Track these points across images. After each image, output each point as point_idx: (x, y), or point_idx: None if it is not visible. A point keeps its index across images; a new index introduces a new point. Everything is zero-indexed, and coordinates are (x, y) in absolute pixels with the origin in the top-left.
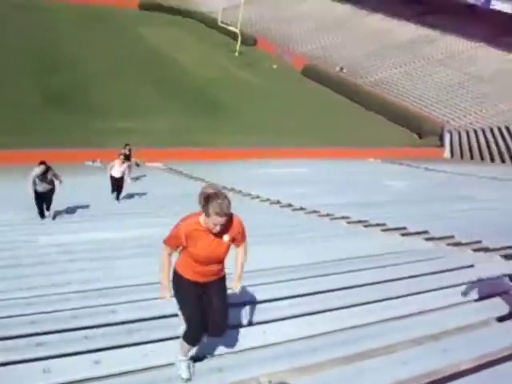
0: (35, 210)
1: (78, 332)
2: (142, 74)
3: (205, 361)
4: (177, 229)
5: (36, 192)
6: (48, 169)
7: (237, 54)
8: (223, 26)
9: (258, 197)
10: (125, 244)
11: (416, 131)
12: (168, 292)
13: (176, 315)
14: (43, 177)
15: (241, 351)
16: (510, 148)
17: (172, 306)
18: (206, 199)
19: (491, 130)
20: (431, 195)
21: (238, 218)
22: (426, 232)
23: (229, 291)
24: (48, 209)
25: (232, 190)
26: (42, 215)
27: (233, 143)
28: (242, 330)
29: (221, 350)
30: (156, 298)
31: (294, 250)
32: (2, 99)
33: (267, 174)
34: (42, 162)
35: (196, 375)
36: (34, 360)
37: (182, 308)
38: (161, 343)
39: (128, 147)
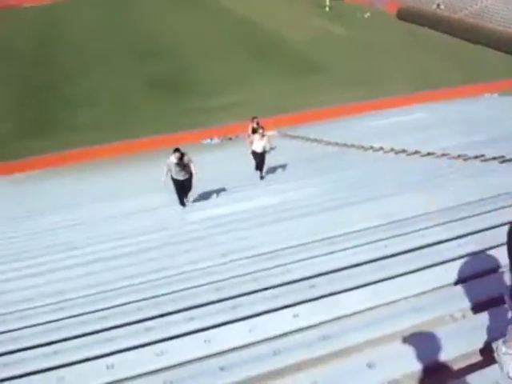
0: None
1: (269, 291)
2: (235, 47)
3: None
4: None
5: (175, 180)
6: (183, 155)
7: (327, 9)
8: None
9: (381, 148)
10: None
11: None
12: None
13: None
14: (180, 163)
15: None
16: None
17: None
18: None
19: None
20: None
21: None
22: None
23: None
24: (187, 195)
25: (353, 145)
26: (182, 203)
27: (339, 100)
28: None
29: None
30: (316, 256)
31: (440, 193)
32: (112, 89)
33: (383, 124)
34: (177, 150)
35: None
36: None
37: None
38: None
39: (256, 120)
